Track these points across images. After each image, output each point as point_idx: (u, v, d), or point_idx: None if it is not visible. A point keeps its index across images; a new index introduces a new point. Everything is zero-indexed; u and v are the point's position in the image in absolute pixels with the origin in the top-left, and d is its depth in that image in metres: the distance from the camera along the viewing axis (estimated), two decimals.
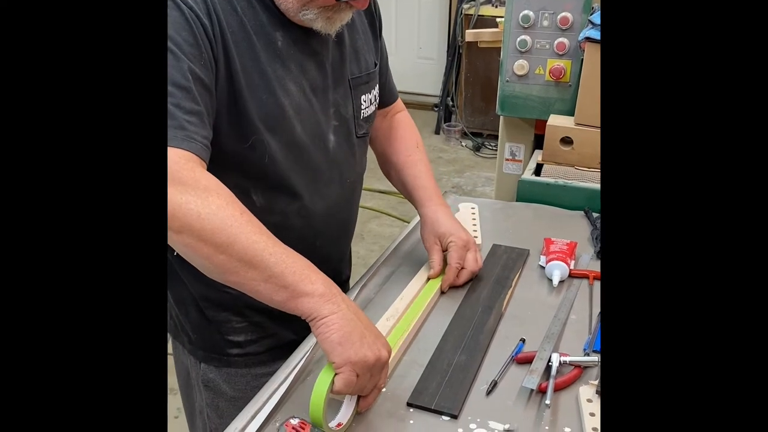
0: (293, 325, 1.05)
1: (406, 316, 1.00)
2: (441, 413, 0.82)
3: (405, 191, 1.21)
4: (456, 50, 4.53)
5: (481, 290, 1.10)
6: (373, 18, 1.12)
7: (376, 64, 1.11)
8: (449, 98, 4.73)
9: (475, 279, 1.13)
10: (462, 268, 1.09)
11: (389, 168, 1.24)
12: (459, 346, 0.95)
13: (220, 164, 0.86)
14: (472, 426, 0.81)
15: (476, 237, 1.26)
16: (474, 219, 1.33)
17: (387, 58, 1.20)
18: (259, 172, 0.93)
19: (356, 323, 0.77)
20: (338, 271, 1.16)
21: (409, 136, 1.24)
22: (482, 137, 4.60)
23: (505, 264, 1.18)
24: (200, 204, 0.74)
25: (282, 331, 1.08)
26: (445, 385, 0.87)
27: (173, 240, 0.74)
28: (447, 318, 1.02)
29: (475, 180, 4.11)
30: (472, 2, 4.32)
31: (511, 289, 1.10)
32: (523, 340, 0.96)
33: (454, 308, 1.05)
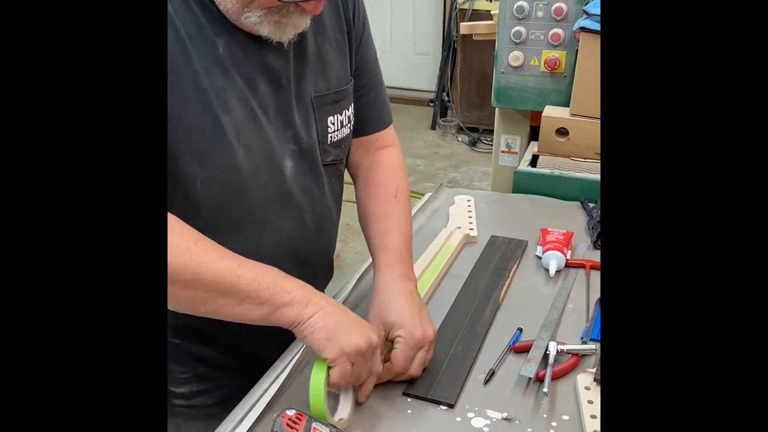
0: (247, 371, 0.91)
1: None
2: (437, 403, 0.82)
3: (369, 248, 0.99)
4: (451, 45, 4.53)
5: (478, 281, 1.09)
6: (344, 26, 0.94)
7: (349, 81, 0.96)
8: (445, 93, 4.73)
9: (473, 270, 1.12)
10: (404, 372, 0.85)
11: (361, 217, 1.03)
12: (456, 336, 0.95)
13: None
14: (470, 415, 0.80)
15: (472, 229, 1.25)
16: (470, 211, 1.33)
17: (376, 72, 1.01)
18: (191, 200, 0.81)
19: (338, 315, 0.77)
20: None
21: (388, 181, 1.02)
22: (478, 132, 4.60)
23: (502, 255, 1.17)
24: None
25: (232, 382, 0.95)
26: (441, 375, 0.86)
27: None
28: (444, 309, 1.02)
29: (472, 175, 4.11)
30: None
31: (508, 279, 1.10)
32: (521, 330, 0.96)
33: (451, 299, 1.04)
